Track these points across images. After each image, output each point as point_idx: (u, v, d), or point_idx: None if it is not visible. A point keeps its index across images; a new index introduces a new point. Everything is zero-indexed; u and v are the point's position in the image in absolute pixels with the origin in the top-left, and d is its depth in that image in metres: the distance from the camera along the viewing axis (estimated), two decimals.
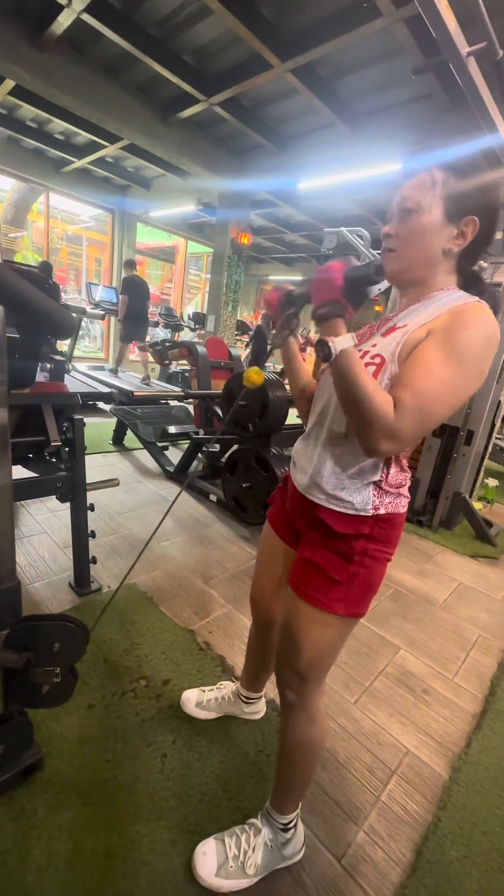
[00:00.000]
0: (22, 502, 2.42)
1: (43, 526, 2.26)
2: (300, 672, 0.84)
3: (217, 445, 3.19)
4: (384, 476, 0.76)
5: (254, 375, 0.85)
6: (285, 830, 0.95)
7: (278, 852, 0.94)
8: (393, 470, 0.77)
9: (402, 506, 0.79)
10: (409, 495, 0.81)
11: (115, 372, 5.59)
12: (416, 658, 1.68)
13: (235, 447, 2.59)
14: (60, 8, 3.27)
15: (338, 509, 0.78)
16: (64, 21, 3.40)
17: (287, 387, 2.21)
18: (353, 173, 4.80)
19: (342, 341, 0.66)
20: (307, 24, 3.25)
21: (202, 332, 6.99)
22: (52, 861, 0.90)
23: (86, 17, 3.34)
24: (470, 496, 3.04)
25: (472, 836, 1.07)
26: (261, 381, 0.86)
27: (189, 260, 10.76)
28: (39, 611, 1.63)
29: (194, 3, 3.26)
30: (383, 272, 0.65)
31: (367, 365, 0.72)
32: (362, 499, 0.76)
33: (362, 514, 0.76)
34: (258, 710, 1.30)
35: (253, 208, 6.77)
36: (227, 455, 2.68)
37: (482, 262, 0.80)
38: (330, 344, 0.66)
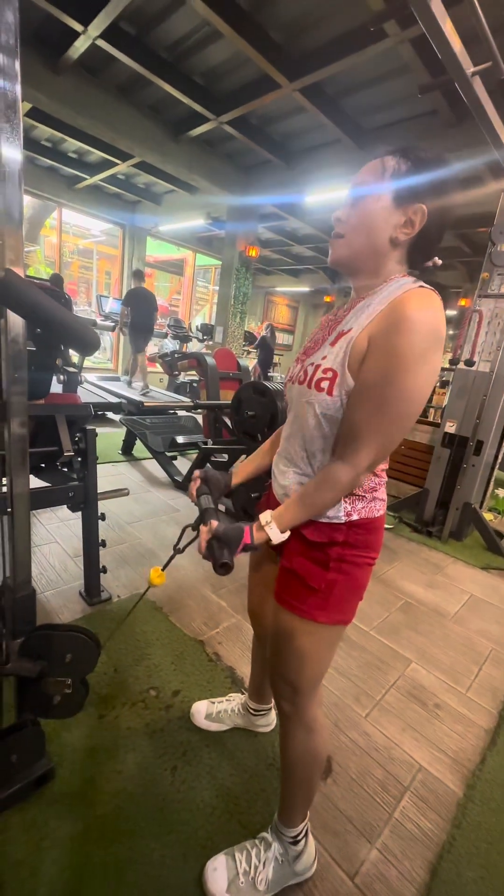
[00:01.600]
0: (33, 511, 2.45)
1: (54, 535, 2.28)
2: (291, 682, 0.83)
3: (226, 455, 3.20)
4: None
5: (154, 578, 0.91)
6: (295, 843, 0.94)
7: (289, 867, 0.93)
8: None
9: (377, 510, 0.78)
10: (385, 498, 0.81)
11: (129, 384, 5.62)
12: (428, 671, 1.66)
13: (244, 457, 2.60)
14: (76, 35, 3.40)
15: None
16: (80, 46, 3.53)
17: None
18: None
19: (274, 535, 0.75)
20: (314, 45, 3.33)
21: (210, 343, 7.07)
22: (63, 873, 0.90)
23: (100, 43, 3.47)
24: (480, 507, 3.02)
25: (489, 856, 1.05)
26: (161, 583, 0.91)
27: (197, 272, 10.92)
28: (50, 619, 1.64)
29: (205, 28, 3.38)
30: (228, 569, 0.71)
31: (320, 380, 0.72)
32: (333, 507, 0.76)
33: (335, 521, 0.76)
34: (268, 722, 1.29)
35: (260, 221, 6.88)
36: (235, 464, 2.69)
37: (437, 259, 0.77)
38: (272, 543, 0.75)
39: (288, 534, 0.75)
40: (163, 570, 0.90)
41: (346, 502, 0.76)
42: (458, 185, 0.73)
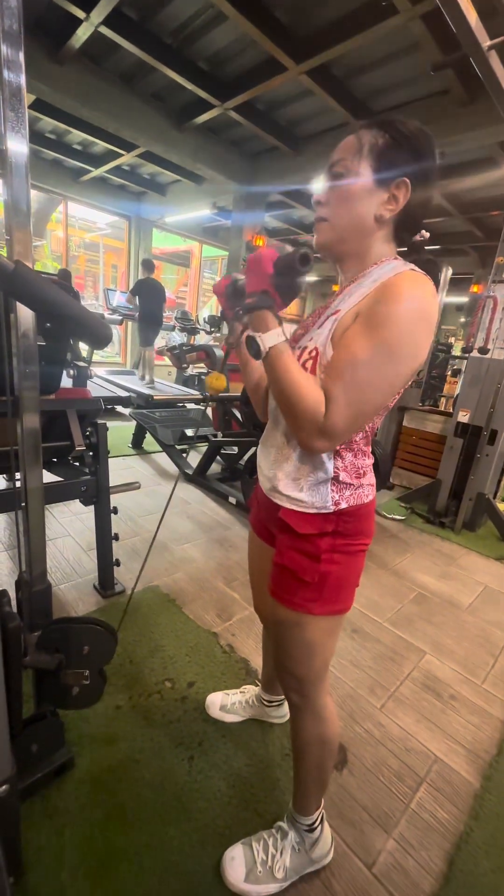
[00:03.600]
0: (46, 506, 2.47)
1: (67, 529, 2.30)
2: (296, 674, 0.83)
3: (236, 448, 3.20)
4: (340, 468, 0.73)
5: (214, 381, 0.80)
6: (311, 831, 0.95)
7: (306, 855, 0.94)
8: (349, 458, 0.73)
9: (365, 496, 0.76)
10: (373, 482, 0.78)
11: (151, 382, 5.51)
12: (443, 663, 1.65)
13: (254, 449, 2.60)
14: (79, 22, 3.35)
15: (297, 509, 0.75)
16: (82, 34, 3.48)
17: None
18: None
19: (271, 337, 0.64)
20: (321, 25, 3.24)
21: (218, 335, 7.03)
22: (85, 858, 0.92)
23: (103, 30, 3.42)
24: (494, 497, 2.97)
25: None
26: (223, 387, 0.81)
27: (204, 263, 10.84)
28: (66, 612, 1.66)
29: (209, 11, 3.30)
30: (308, 261, 0.62)
31: (305, 362, 0.70)
32: (321, 497, 0.73)
33: (323, 511, 0.73)
34: (282, 714, 1.30)
35: (267, 210, 6.78)
36: (245, 457, 2.69)
37: (424, 232, 0.74)
38: (258, 340, 0.64)
39: (262, 355, 0.65)
40: (221, 371, 0.84)
41: (333, 491, 0.73)
42: (438, 154, 0.68)
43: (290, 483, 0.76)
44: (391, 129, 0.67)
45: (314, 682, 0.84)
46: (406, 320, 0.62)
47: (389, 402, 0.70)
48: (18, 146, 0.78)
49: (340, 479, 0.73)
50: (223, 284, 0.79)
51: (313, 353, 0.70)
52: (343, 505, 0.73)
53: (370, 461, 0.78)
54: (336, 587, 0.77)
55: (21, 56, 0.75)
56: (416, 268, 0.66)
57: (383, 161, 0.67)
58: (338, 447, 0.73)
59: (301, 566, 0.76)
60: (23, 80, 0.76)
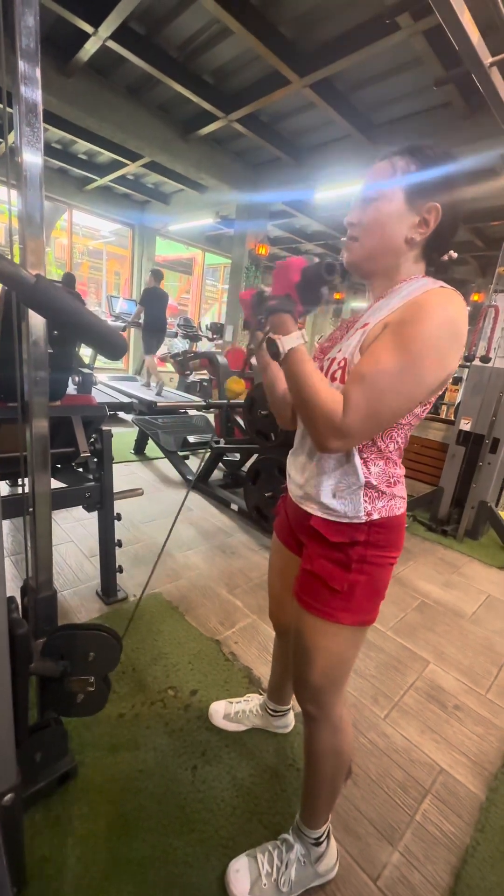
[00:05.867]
0: None
1: (69, 535, 2.30)
2: (315, 684, 0.83)
3: (238, 455, 3.20)
4: (373, 475, 0.74)
5: (233, 385, 0.85)
6: (317, 845, 0.94)
7: (312, 869, 0.93)
8: (381, 466, 0.74)
9: (397, 508, 0.77)
10: (405, 496, 0.79)
11: (147, 385, 5.56)
12: (446, 672, 1.64)
13: (257, 456, 2.60)
14: (87, 36, 3.42)
15: (330, 518, 0.76)
16: (90, 48, 3.55)
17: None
18: None
19: (290, 340, 0.68)
20: (325, 40, 3.30)
21: (220, 342, 7.07)
22: (88, 869, 0.91)
23: (111, 44, 3.48)
24: (496, 505, 2.97)
25: None
26: (242, 389, 0.85)
27: (206, 271, 10.94)
28: (68, 619, 1.65)
29: (215, 26, 3.37)
30: (334, 270, 0.66)
31: (334, 371, 0.73)
32: (354, 506, 0.74)
33: (355, 521, 0.74)
34: (286, 724, 1.29)
35: (270, 219, 6.86)
36: (248, 464, 2.69)
37: (452, 252, 0.77)
38: (278, 342, 0.67)
39: (281, 356, 0.68)
40: (241, 376, 0.84)
41: (365, 501, 0.74)
42: (467, 179, 0.72)
43: (322, 491, 0.77)
44: (422, 155, 0.70)
45: (332, 693, 0.84)
46: (433, 331, 0.63)
47: (415, 409, 0.71)
48: (34, 159, 0.80)
49: (373, 485, 0.74)
50: (249, 294, 0.82)
51: (342, 364, 0.72)
52: (375, 516, 0.74)
53: (402, 471, 0.79)
54: (364, 597, 0.77)
55: (38, 73, 0.76)
56: (446, 284, 0.68)
57: (415, 186, 0.70)
58: (371, 456, 0.74)
59: (331, 574, 0.76)
60: (39, 95, 0.78)
